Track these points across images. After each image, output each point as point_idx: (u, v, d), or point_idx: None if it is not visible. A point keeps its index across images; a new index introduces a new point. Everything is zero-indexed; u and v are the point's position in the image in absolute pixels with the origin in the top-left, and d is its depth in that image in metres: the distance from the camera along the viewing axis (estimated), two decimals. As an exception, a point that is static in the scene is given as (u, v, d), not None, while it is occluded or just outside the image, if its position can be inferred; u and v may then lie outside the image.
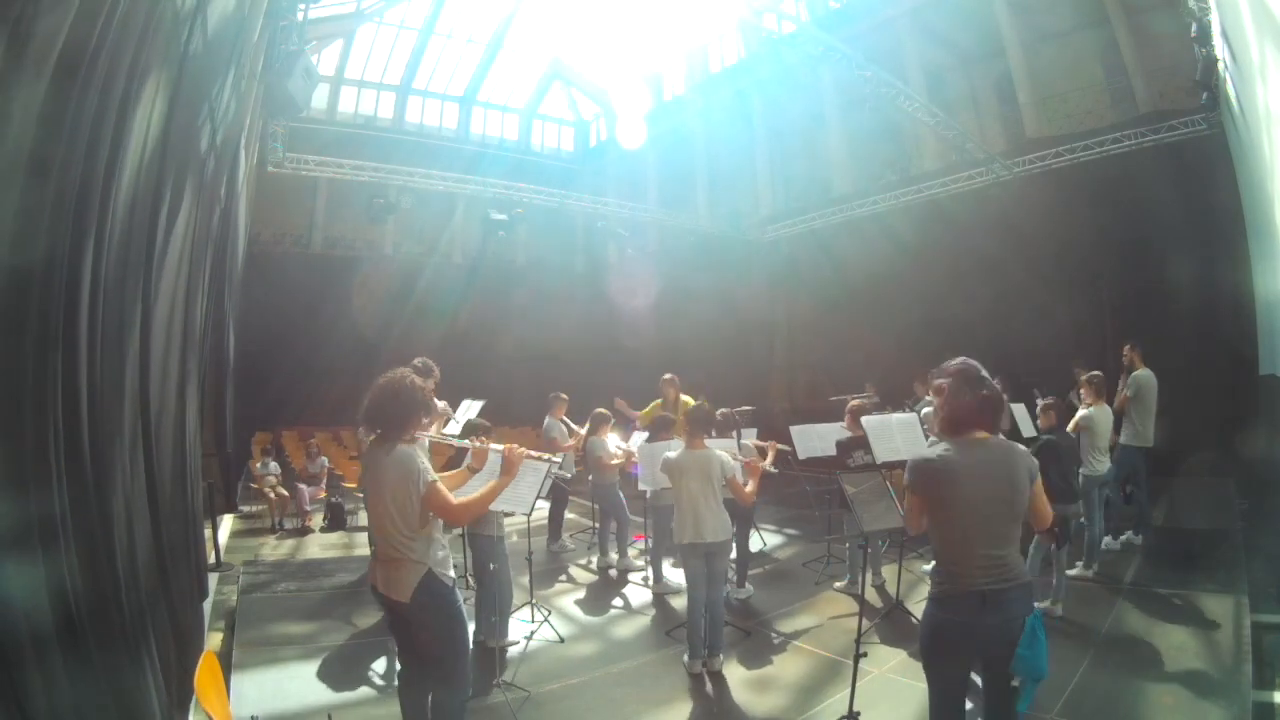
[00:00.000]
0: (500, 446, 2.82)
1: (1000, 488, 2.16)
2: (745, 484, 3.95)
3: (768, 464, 4.83)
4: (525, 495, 3.80)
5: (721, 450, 4.01)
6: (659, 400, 6.65)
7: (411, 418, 2.59)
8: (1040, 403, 4.85)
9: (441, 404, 5.00)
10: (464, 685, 2.71)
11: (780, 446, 5.27)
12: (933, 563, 2.36)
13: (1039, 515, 2.31)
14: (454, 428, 4.84)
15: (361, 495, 5.94)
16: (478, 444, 2.85)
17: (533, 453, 3.00)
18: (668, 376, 6.75)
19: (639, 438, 5.75)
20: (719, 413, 5.03)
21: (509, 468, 2.75)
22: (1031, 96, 9.77)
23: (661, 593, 5.29)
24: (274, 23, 6.11)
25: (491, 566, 4.07)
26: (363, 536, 6.75)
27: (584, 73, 16.59)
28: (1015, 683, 2.18)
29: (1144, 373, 5.75)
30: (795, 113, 12.80)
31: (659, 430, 5.13)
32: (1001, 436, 2.29)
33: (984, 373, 2.29)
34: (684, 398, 6.48)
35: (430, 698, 2.69)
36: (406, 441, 2.57)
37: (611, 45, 15.19)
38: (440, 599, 2.55)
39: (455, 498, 2.58)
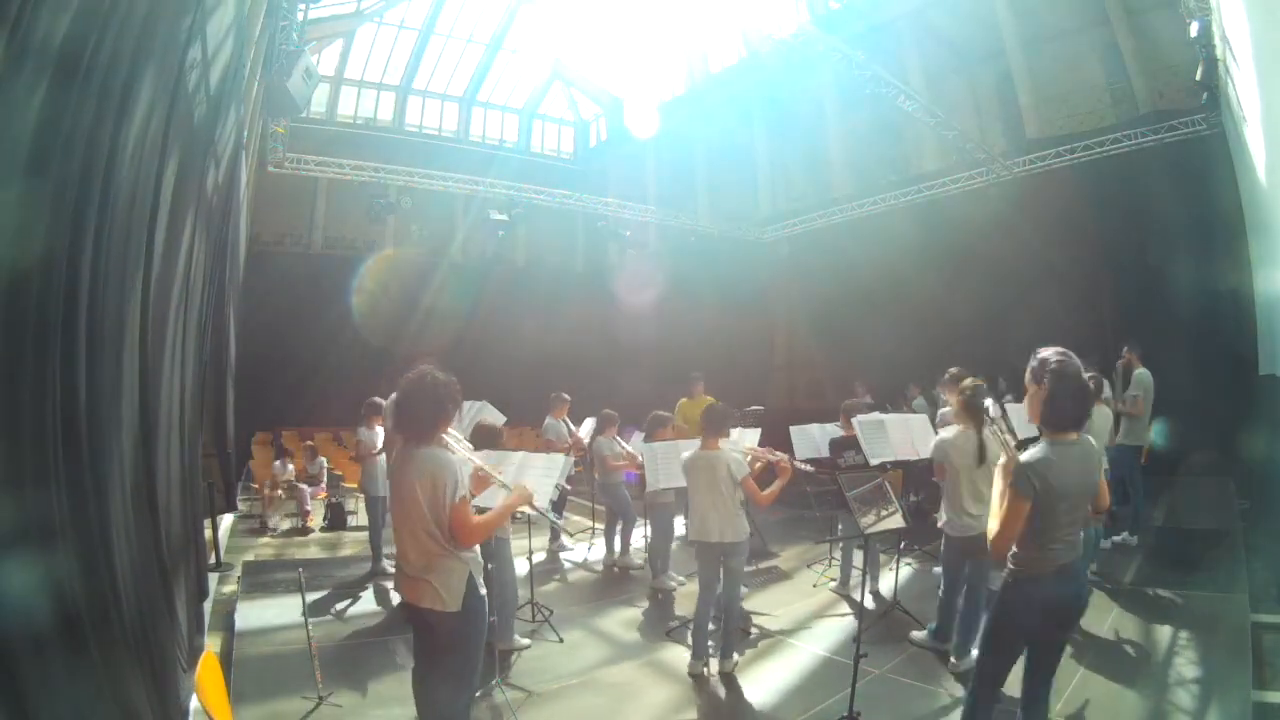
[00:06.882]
0: (508, 483, 2.83)
1: None
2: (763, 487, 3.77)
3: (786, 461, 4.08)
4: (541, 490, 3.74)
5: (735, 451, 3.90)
6: (684, 400, 7.05)
7: (440, 416, 2.49)
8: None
9: None
10: (473, 685, 2.70)
11: (801, 463, 4.72)
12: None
13: None
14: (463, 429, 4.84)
15: (371, 497, 5.96)
16: (481, 472, 2.81)
17: (535, 507, 2.97)
18: (695, 374, 7.22)
19: (639, 438, 5.78)
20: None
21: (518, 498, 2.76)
22: (1031, 96, 9.75)
23: (659, 588, 5.30)
24: (274, 23, 6.11)
25: (489, 566, 4.05)
26: (362, 536, 6.75)
27: (584, 73, 16.59)
28: None
29: (1145, 372, 5.84)
30: (795, 113, 12.78)
31: (654, 428, 5.16)
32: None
33: None
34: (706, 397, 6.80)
35: (436, 692, 2.65)
36: (438, 443, 2.48)
37: (612, 45, 15.21)
38: (476, 613, 2.50)
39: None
